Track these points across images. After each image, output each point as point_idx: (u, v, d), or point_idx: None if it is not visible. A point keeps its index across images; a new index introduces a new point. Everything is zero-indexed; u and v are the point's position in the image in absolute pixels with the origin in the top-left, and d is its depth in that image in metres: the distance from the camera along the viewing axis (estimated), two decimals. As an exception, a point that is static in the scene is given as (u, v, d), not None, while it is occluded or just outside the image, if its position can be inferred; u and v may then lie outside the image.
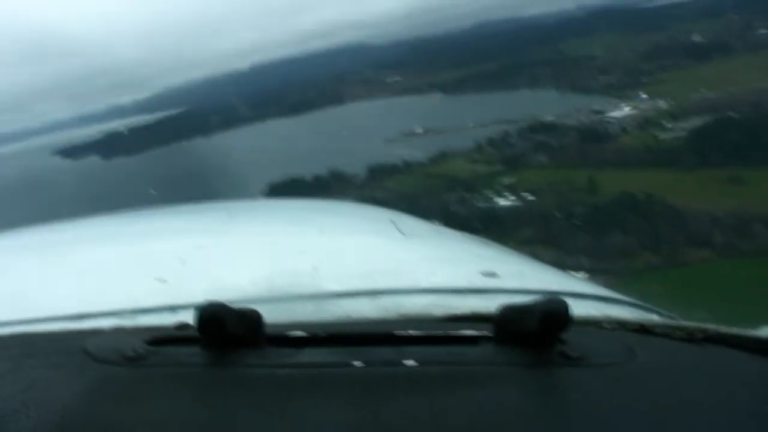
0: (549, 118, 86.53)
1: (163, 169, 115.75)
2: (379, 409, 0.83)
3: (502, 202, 57.51)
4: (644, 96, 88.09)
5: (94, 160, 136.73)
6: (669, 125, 71.44)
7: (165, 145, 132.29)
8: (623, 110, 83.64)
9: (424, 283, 1.50)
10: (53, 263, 2.03)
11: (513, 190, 60.87)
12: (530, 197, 58.40)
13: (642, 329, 1.08)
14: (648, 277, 40.42)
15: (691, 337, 1.03)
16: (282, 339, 1.04)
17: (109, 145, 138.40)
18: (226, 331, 0.95)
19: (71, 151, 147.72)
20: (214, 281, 1.57)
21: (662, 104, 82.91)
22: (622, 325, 1.11)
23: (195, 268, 1.75)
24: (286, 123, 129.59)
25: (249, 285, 1.49)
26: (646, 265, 42.62)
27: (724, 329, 1.04)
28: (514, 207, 56.30)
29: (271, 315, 1.05)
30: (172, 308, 1.36)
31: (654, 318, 1.49)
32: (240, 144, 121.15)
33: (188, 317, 1.07)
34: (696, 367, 0.96)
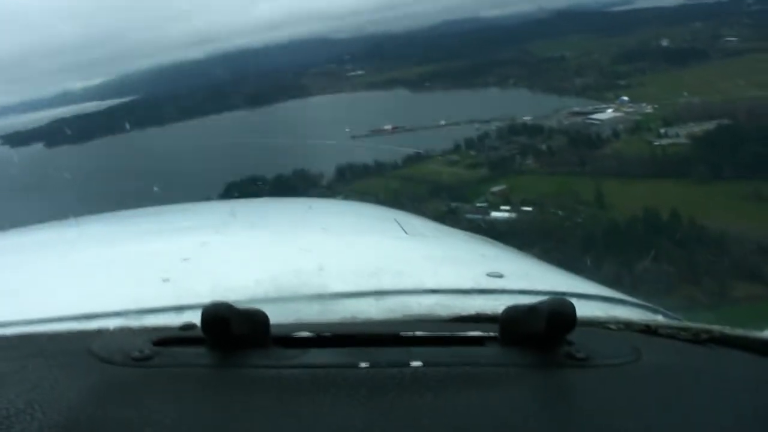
0: (526, 118, 78.08)
1: (111, 160, 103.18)
2: (386, 410, 0.81)
3: (496, 214, 48.00)
4: (625, 98, 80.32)
5: (37, 148, 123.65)
6: (662, 131, 63.29)
7: (114, 134, 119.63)
8: (606, 113, 75.48)
9: (430, 284, 1.46)
10: (57, 262, 2.00)
11: (506, 199, 51.48)
12: (527, 208, 49.08)
13: (647, 330, 1.06)
14: (695, 318, 31.30)
15: (696, 338, 1.01)
16: (288, 339, 1.01)
17: (54, 133, 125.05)
18: (231, 332, 0.93)
19: (15, 139, 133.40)
20: (219, 280, 1.52)
21: (648, 108, 75.19)
22: (627, 325, 1.09)
23: (199, 267, 1.71)
24: (244, 115, 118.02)
25: (254, 284, 1.45)
26: (688, 301, 33.51)
27: (730, 330, 1.02)
28: (510, 221, 46.74)
29: (276, 315, 1.02)
30: (178, 308, 1.33)
31: (659, 319, 1.44)
32: (195, 136, 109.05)
33: (193, 317, 1.05)
34: (701, 368, 0.95)
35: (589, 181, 52.71)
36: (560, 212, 47.42)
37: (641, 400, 0.83)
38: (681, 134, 61.87)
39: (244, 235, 2.26)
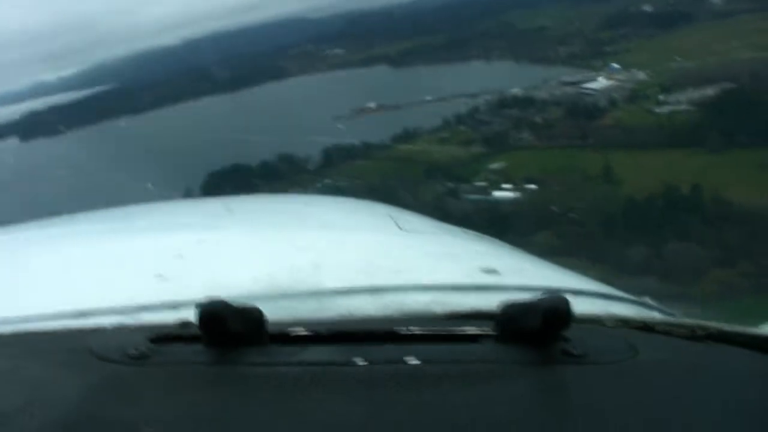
0: (515, 90, 73.51)
1: (88, 151, 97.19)
2: (382, 407, 0.81)
3: (499, 194, 43.58)
4: (616, 66, 75.91)
5: (13, 143, 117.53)
6: (661, 98, 59.07)
7: (90, 125, 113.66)
8: (599, 81, 71.06)
9: (425, 280, 1.44)
10: (51, 259, 1.97)
11: (506, 177, 47.05)
12: (530, 186, 44.72)
13: (644, 327, 1.05)
14: (733, 307, 27.16)
15: (693, 335, 1.00)
16: (284, 337, 1.00)
17: (29, 126, 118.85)
18: (227, 329, 0.92)
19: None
20: (214, 277, 1.51)
21: (641, 75, 70.85)
22: (624, 322, 1.08)
23: (195, 263, 1.69)
24: (223, 100, 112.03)
25: (250, 282, 1.44)
26: (723, 287, 29.42)
27: (727, 327, 1.01)
28: (516, 201, 42.35)
29: (272, 312, 1.01)
30: (173, 305, 1.31)
31: (656, 315, 1.44)
32: (174, 123, 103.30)
33: (189, 314, 1.04)
34: (698, 364, 0.94)
35: (592, 154, 48.44)
36: (567, 190, 43.11)
37: (638, 397, 0.82)
38: (682, 101, 57.70)
39: (240, 232, 2.20)
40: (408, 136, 63.35)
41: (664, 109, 56.14)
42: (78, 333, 1.10)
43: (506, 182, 45.79)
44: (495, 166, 49.31)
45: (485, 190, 44.81)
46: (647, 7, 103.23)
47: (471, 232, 2.71)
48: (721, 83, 57.78)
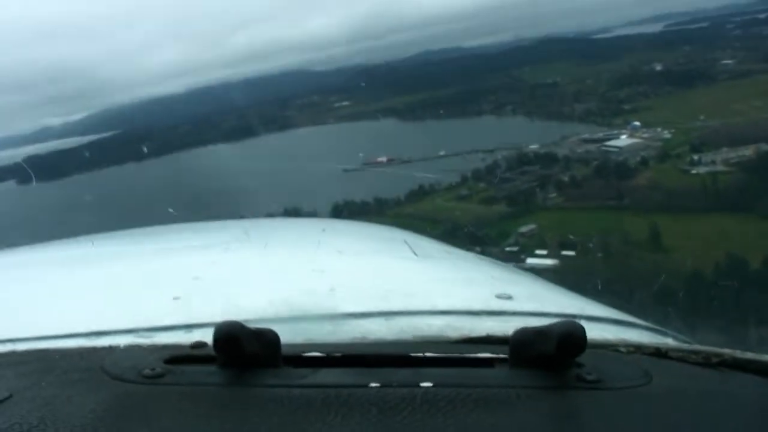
0: (533, 146, 69.02)
1: (85, 197, 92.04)
2: (396, 431, 0.79)
3: (534, 261, 38.22)
4: (637, 124, 71.80)
5: (9, 186, 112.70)
6: (695, 157, 54.44)
7: (91, 170, 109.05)
8: (621, 139, 66.69)
9: (440, 305, 1.44)
10: (68, 279, 1.97)
11: (540, 241, 41.84)
12: (568, 253, 39.44)
13: (658, 353, 1.03)
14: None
15: (706, 362, 0.98)
16: (299, 359, 0.99)
17: (28, 170, 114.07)
18: (242, 351, 0.91)
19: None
20: (231, 299, 1.52)
21: (665, 134, 66.59)
22: (638, 348, 1.06)
23: (211, 285, 1.69)
24: (228, 149, 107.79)
25: (266, 304, 1.44)
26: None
27: (740, 354, 0.99)
28: (553, 270, 36.97)
29: (287, 334, 1.00)
30: (188, 326, 1.31)
31: (669, 342, 1.41)
32: (176, 172, 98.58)
33: (203, 335, 1.03)
34: (711, 391, 0.92)
35: (630, 216, 43.34)
36: (610, 257, 37.81)
37: (652, 423, 0.80)
38: (717, 161, 53.03)
39: (256, 255, 2.17)
40: (424, 192, 58.31)
41: (701, 170, 51.40)
42: (93, 352, 1.09)
43: (540, 247, 40.57)
44: (525, 228, 44.13)
45: (518, 256, 39.41)
46: (659, 66, 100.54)
47: (485, 258, 2.61)
48: (756, 144, 53.40)
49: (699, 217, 41.00)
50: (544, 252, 39.67)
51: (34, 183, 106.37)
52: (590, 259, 37.89)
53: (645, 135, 67.37)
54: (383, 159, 77.64)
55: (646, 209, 43.61)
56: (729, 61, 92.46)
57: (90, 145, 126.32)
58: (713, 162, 53.09)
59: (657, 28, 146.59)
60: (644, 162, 54.78)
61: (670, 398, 0.86)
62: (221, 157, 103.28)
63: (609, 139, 66.96)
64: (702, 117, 70.54)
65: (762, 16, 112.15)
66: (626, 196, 46.49)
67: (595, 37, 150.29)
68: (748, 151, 53.22)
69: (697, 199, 43.28)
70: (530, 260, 38.88)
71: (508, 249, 41.31)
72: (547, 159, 60.98)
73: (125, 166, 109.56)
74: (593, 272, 35.78)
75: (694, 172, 51.33)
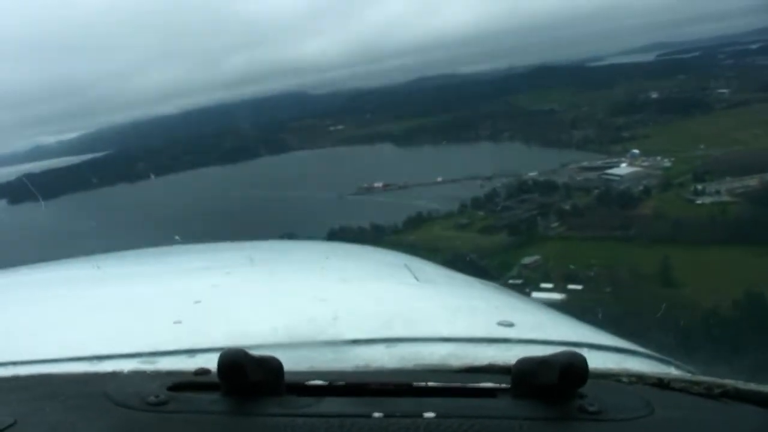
0: (531, 174, 67.49)
1: (74, 217, 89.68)
2: None
3: (540, 295, 36.25)
4: (636, 152, 70.47)
5: (2, 205, 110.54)
6: (699, 187, 52.94)
7: (82, 190, 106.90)
8: (621, 167, 65.22)
9: (442, 332, 1.45)
10: (70, 301, 1.96)
11: (544, 274, 39.93)
12: (574, 287, 37.52)
13: (660, 384, 1.03)
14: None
15: (709, 393, 0.98)
16: (302, 388, 0.99)
17: (19, 189, 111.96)
18: (246, 379, 0.90)
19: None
20: (233, 325, 1.53)
21: (666, 162, 65.19)
22: (640, 378, 1.06)
23: (213, 310, 1.69)
24: (221, 172, 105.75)
25: (268, 330, 1.43)
26: None
27: (743, 385, 0.99)
28: (560, 305, 35.04)
29: (289, 361, 1.00)
30: (190, 351, 1.31)
31: (672, 371, 1.41)
32: (168, 194, 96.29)
33: (206, 360, 1.04)
34: (713, 422, 0.91)
35: (637, 248, 41.56)
36: (619, 292, 35.88)
37: None
38: (721, 191, 51.52)
39: (259, 280, 2.16)
40: (422, 219, 56.48)
41: (706, 200, 49.84)
42: (96, 377, 1.09)
43: (544, 280, 38.62)
44: (528, 260, 42.21)
45: (522, 290, 37.48)
46: (654, 94, 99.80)
47: (487, 283, 2.59)
48: (761, 174, 52.00)
49: (708, 249, 39.23)
50: (550, 285, 37.69)
51: (26, 202, 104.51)
52: (597, 293, 35.95)
53: (645, 163, 65.98)
54: (379, 185, 75.90)
55: (652, 240, 41.86)
56: (724, 90, 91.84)
57: (84, 165, 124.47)
58: (718, 192, 51.61)
59: (650, 57, 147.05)
60: (647, 191, 53.24)
61: (672, 429, 0.86)
62: (216, 179, 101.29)
63: (609, 167, 65.52)
64: (702, 146, 69.33)
65: (754, 46, 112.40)
66: (631, 227, 44.77)
67: (588, 65, 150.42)
68: (753, 181, 51.80)
69: (705, 231, 41.55)
70: (535, 294, 36.89)
71: (511, 281, 39.35)
72: (547, 187, 59.42)
73: (119, 186, 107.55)
74: (603, 308, 33.88)
75: (699, 201, 49.78)
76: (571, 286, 37.20)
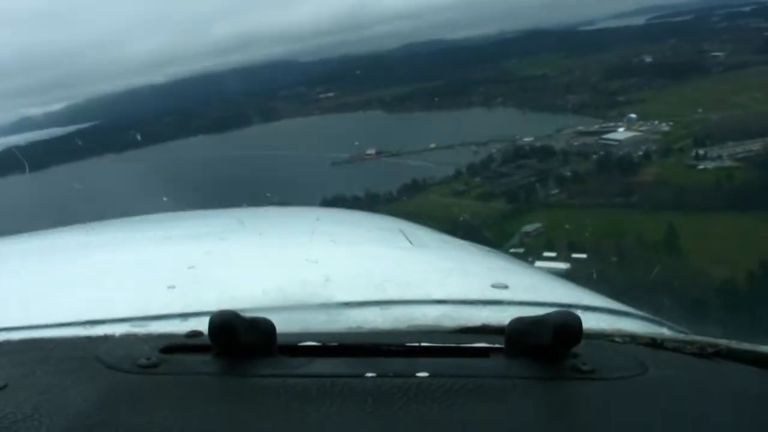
0: (527, 139, 65.60)
1: (62, 189, 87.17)
2: (392, 421, 0.79)
3: (543, 265, 34.66)
4: (633, 116, 68.59)
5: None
6: (701, 152, 51.28)
7: (70, 162, 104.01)
8: (619, 132, 63.45)
9: (436, 294, 1.43)
10: (63, 268, 1.97)
11: (547, 243, 38.26)
12: (578, 255, 35.97)
13: (653, 343, 1.03)
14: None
15: (702, 352, 0.98)
16: (294, 348, 0.99)
17: (6, 161, 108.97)
18: (238, 340, 0.90)
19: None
20: (226, 289, 1.52)
21: (664, 126, 63.44)
22: (633, 338, 1.05)
23: (206, 274, 1.67)
24: (212, 140, 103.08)
25: (261, 293, 1.43)
26: None
27: (735, 344, 0.98)
28: (564, 274, 33.50)
29: (282, 324, 0.99)
30: (183, 315, 1.30)
31: (665, 332, 1.39)
32: (158, 164, 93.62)
33: (198, 324, 1.03)
34: (706, 381, 0.92)
35: (641, 215, 39.97)
36: (625, 261, 34.36)
37: (647, 413, 0.80)
38: (723, 156, 49.89)
39: (251, 244, 2.15)
40: (417, 187, 54.62)
41: (708, 165, 48.22)
42: (88, 341, 1.08)
43: (547, 249, 37.03)
44: (530, 228, 40.56)
45: (525, 259, 35.90)
46: (648, 58, 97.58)
47: (481, 247, 2.57)
48: (764, 138, 50.33)
49: (714, 216, 37.70)
50: (553, 254, 36.15)
51: (14, 174, 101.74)
52: (603, 262, 34.42)
53: (643, 128, 64.29)
54: (372, 152, 73.87)
55: (656, 207, 40.32)
56: (719, 54, 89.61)
57: (71, 136, 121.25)
58: (720, 157, 50.00)
59: (640, 20, 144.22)
60: (647, 156, 51.59)
61: (665, 388, 0.86)
62: (206, 148, 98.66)
63: (606, 132, 63.77)
64: (700, 110, 67.65)
65: (747, 8, 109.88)
66: (634, 194, 43.14)
67: (580, 29, 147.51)
68: (755, 146, 50.21)
69: (710, 197, 39.98)
70: (538, 263, 35.38)
71: (513, 250, 37.73)
72: (544, 152, 57.63)
73: (108, 156, 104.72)
74: (608, 277, 32.40)
75: (701, 167, 48.21)
76: (575, 255, 35.63)
